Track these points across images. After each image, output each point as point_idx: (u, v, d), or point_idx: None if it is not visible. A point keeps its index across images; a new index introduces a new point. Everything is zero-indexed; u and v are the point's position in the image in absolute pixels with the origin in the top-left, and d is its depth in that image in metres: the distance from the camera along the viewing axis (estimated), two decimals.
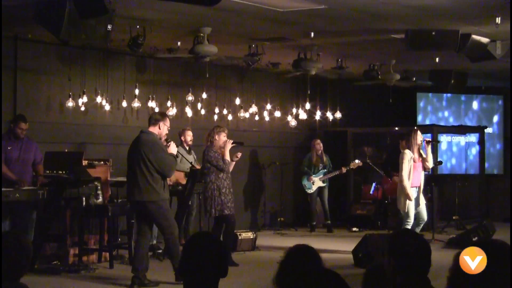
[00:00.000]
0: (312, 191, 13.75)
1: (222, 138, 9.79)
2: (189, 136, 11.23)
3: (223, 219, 9.82)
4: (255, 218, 14.23)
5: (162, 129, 8.31)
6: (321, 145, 13.85)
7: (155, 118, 8.37)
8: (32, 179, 9.43)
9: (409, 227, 9.91)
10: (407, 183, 9.88)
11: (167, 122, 8.38)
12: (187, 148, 11.24)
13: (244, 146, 12.15)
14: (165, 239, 8.42)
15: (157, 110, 12.02)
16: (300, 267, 3.49)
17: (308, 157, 13.91)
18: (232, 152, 9.94)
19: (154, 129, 8.29)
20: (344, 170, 13.58)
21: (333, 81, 14.86)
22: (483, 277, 3.09)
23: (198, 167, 10.21)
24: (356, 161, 13.60)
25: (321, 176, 13.74)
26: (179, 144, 10.95)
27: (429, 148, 10.16)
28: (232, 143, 9.79)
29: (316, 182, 13.71)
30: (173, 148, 8.40)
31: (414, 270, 3.50)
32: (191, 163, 10.41)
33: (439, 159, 13.28)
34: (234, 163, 10.06)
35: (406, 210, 9.93)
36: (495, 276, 3.11)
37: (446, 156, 15.53)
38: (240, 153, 10.19)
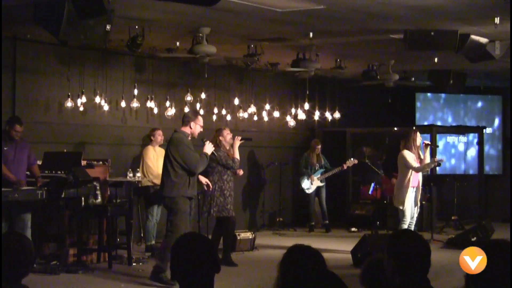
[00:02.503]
0: (311, 191, 13.75)
1: (226, 135, 9.84)
2: None
3: (222, 220, 9.83)
4: (254, 218, 14.23)
5: (194, 128, 8.45)
6: (320, 146, 13.86)
7: (186, 119, 8.50)
8: (26, 180, 9.40)
9: (405, 226, 9.98)
10: (405, 183, 9.99)
11: (199, 121, 8.49)
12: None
13: (243, 146, 12.16)
14: (165, 235, 8.49)
15: (156, 110, 12.06)
16: (301, 267, 3.49)
17: (304, 157, 13.90)
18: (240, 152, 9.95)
19: (185, 129, 8.46)
20: (345, 166, 13.57)
21: (332, 81, 14.86)
22: (485, 277, 3.10)
23: None
24: (351, 159, 13.64)
25: (319, 175, 13.75)
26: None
27: (427, 151, 10.21)
28: (240, 140, 9.81)
29: (314, 182, 13.72)
30: (207, 148, 8.52)
31: (414, 270, 3.50)
32: None
33: (440, 158, 13.28)
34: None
35: (403, 208, 9.98)
36: (496, 276, 3.12)
37: (445, 157, 15.53)
38: (242, 171, 10.32)
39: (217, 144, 9.79)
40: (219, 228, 9.92)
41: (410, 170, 10.01)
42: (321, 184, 13.80)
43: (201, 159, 8.39)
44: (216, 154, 9.70)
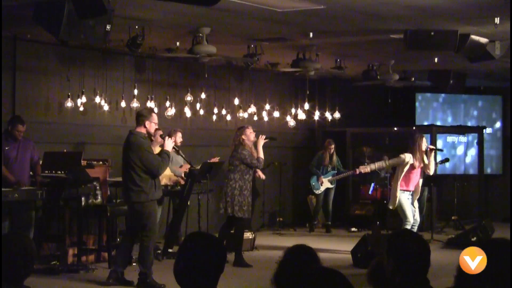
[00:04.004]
0: (320, 192, 13.73)
1: (249, 134, 9.76)
2: (179, 137, 11.23)
3: (235, 220, 9.79)
4: (254, 218, 14.20)
5: (149, 127, 8.26)
6: (333, 145, 13.80)
7: (141, 118, 8.29)
8: (30, 179, 9.41)
9: (408, 227, 9.94)
10: (398, 185, 9.99)
11: (154, 119, 8.30)
12: (176, 148, 11.26)
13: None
14: (140, 240, 8.35)
15: (156, 110, 12.01)
16: (298, 266, 3.50)
17: (317, 157, 13.86)
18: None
19: (141, 129, 8.26)
20: (357, 171, 13.49)
21: (332, 81, 14.86)
22: (486, 276, 3.10)
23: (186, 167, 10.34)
24: (365, 165, 13.57)
25: (330, 177, 13.72)
26: None
27: (431, 156, 10.09)
28: (265, 139, 9.75)
29: (324, 183, 13.69)
30: (168, 145, 8.37)
31: (413, 270, 3.50)
32: (190, 163, 10.44)
33: (445, 157, 13.27)
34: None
35: (402, 209, 9.96)
36: (496, 276, 3.12)
37: (445, 157, 15.52)
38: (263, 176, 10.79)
39: (240, 143, 9.74)
40: (228, 227, 9.88)
41: (404, 171, 9.95)
42: (330, 186, 13.77)
43: (162, 160, 8.23)
44: (242, 153, 9.66)
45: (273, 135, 10.52)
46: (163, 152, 8.30)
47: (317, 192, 13.73)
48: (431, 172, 10.20)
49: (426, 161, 10.00)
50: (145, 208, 8.17)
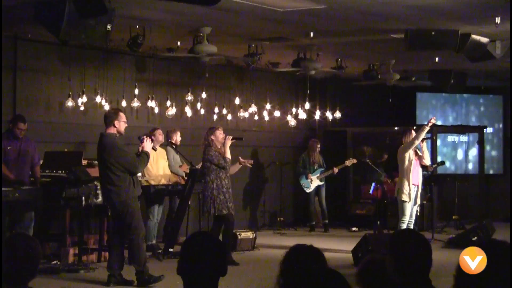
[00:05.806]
0: (310, 190, 13.75)
1: (218, 134, 9.81)
2: (178, 136, 11.24)
3: (221, 218, 9.81)
4: (254, 218, 14.23)
5: (118, 126, 8.26)
6: (319, 145, 13.90)
7: (109, 119, 8.29)
8: (29, 179, 9.41)
9: (404, 224, 10.09)
10: (408, 178, 10.19)
11: (122, 118, 8.31)
12: (174, 147, 11.30)
13: (244, 146, 12.18)
14: (129, 240, 8.32)
15: (156, 110, 12.05)
16: (302, 266, 3.49)
17: (302, 158, 13.91)
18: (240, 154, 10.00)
19: (111, 129, 8.27)
20: (336, 170, 13.59)
21: (333, 81, 14.86)
22: (485, 277, 3.10)
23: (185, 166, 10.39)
24: (351, 158, 13.69)
25: (318, 174, 13.75)
26: (167, 144, 11.03)
27: (424, 146, 10.41)
28: (231, 139, 9.80)
29: (314, 181, 13.72)
30: (147, 146, 8.40)
31: (415, 269, 3.50)
32: (191, 162, 10.45)
33: (441, 160, 13.32)
34: (240, 166, 10.44)
35: (409, 201, 10.07)
36: (496, 276, 3.12)
37: (446, 156, 15.53)
38: (252, 161, 10.96)
39: (209, 143, 9.79)
40: (217, 227, 9.90)
41: (411, 164, 10.13)
42: (320, 183, 13.81)
43: (141, 159, 8.28)
44: (208, 154, 9.71)
45: (240, 135, 10.58)
46: (143, 153, 8.35)
47: (308, 190, 13.76)
48: (428, 162, 10.54)
49: (420, 153, 10.29)
50: (127, 207, 8.20)
